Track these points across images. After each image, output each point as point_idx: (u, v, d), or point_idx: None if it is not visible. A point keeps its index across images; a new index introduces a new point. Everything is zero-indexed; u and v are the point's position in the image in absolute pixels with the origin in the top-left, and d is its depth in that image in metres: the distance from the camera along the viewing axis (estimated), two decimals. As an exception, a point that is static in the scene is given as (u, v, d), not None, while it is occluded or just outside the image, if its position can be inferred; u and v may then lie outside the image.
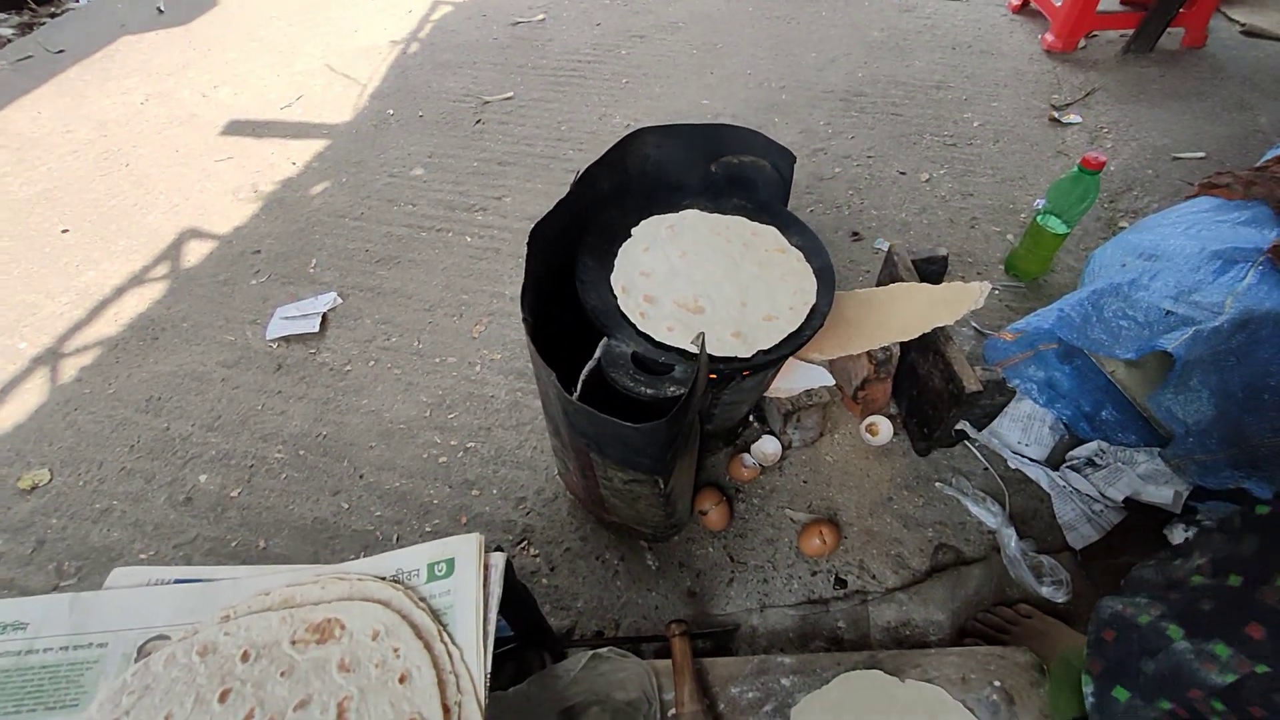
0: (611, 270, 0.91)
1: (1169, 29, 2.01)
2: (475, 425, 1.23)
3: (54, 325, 1.47)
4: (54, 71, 2.40)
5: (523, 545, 1.07)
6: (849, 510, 1.08)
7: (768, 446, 1.12)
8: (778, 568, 1.02)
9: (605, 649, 0.78)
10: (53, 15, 2.86)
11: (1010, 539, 1.00)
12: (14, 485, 1.18)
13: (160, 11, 2.78)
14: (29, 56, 2.50)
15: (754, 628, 0.96)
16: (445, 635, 0.51)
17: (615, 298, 0.88)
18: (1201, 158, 1.64)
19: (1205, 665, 0.53)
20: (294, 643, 0.51)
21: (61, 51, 2.52)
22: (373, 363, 1.35)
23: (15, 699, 0.49)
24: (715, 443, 1.15)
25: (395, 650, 0.50)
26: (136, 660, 0.52)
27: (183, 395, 1.32)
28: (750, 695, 0.80)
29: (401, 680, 0.48)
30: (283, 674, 0.49)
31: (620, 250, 0.94)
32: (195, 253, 1.64)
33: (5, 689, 0.49)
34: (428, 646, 0.50)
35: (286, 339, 1.40)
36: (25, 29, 2.75)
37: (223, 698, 0.48)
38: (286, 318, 1.44)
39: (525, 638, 0.81)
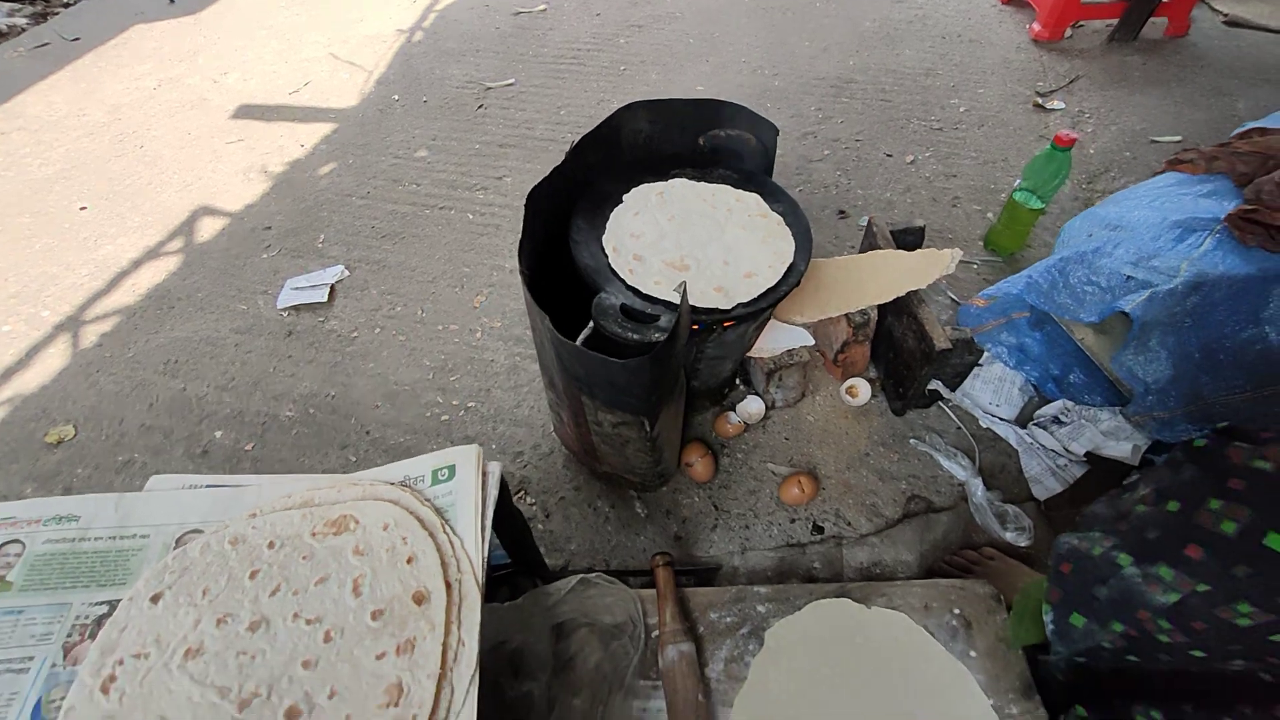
0: (603, 232, 0.97)
1: (1152, 18, 2.07)
2: (475, 387, 1.30)
3: (74, 295, 1.54)
4: (69, 58, 2.47)
5: (520, 495, 1.13)
6: (828, 465, 1.14)
7: (752, 406, 1.18)
8: (759, 515, 1.08)
9: (594, 574, 0.85)
10: (66, 4, 2.93)
11: (978, 488, 1.06)
12: (41, 440, 1.25)
13: (171, 1, 2.85)
14: (46, 44, 2.57)
15: (735, 567, 1.03)
16: (447, 527, 0.58)
17: (606, 256, 0.94)
18: (1178, 141, 1.70)
19: (1151, 587, 0.57)
20: (313, 534, 0.58)
21: (77, 39, 2.60)
22: (378, 330, 1.42)
23: (72, 576, 0.55)
24: (702, 402, 1.21)
25: (403, 539, 0.56)
26: (175, 549, 0.58)
27: (198, 359, 1.39)
28: (728, 620, 0.87)
29: (409, 561, 0.55)
30: (304, 558, 0.56)
31: (612, 215, 1.00)
32: (208, 229, 1.71)
33: (64, 567, 0.56)
34: (432, 535, 0.57)
35: (296, 308, 1.47)
36: (40, 18, 2.82)
37: (252, 576, 0.55)
38: (296, 288, 1.50)
39: (520, 565, 0.88)
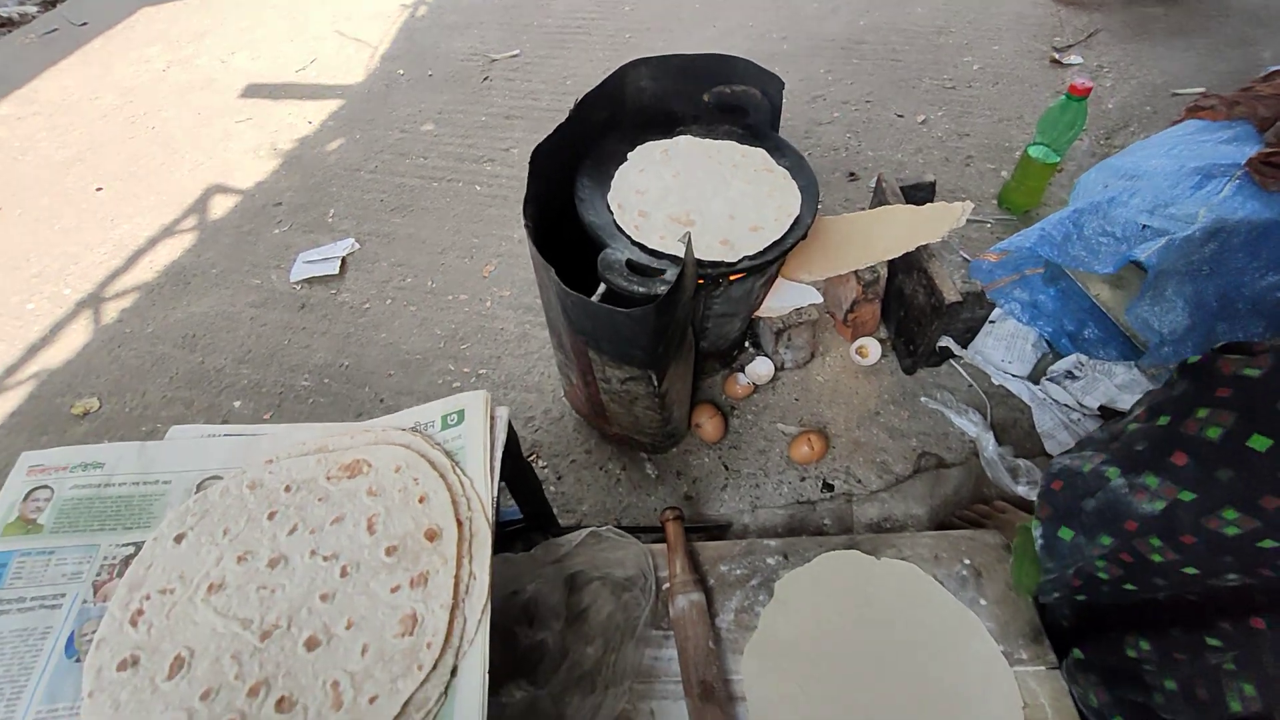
0: (608, 189, 0.97)
1: (1177, -32, 1.99)
2: (486, 355, 1.31)
3: (94, 273, 1.57)
4: (79, 43, 2.49)
5: (532, 458, 1.15)
6: (838, 424, 1.14)
7: (761, 367, 1.18)
8: (769, 474, 1.09)
9: (604, 528, 0.86)
10: (74, -10, 2.94)
11: (989, 443, 1.05)
12: (68, 412, 1.29)
13: (176, -17, 2.85)
14: (55, 30, 2.59)
15: (745, 525, 1.04)
16: (457, 468, 0.59)
17: (612, 214, 0.94)
18: (1200, 93, 1.64)
19: (1137, 496, 0.57)
20: (328, 478, 0.59)
21: (85, 24, 2.61)
22: (389, 301, 1.43)
23: (100, 519, 0.58)
24: (712, 364, 1.22)
25: (415, 480, 0.58)
26: (196, 494, 0.60)
27: (215, 333, 1.41)
28: (738, 572, 0.88)
29: (420, 500, 0.56)
30: (320, 500, 0.58)
31: (617, 172, 1.00)
32: (220, 206, 1.73)
33: (91, 511, 0.58)
34: (442, 476, 0.58)
35: (309, 281, 1.49)
36: (49, 4, 2.84)
37: (270, 516, 0.57)
38: (308, 261, 1.52)
39: (532, 520, 0.89)
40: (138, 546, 0.57)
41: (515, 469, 0.77)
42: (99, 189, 1.82)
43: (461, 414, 0.62)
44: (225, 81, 2.21)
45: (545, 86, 2.02)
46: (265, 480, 0.60)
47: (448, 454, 0.60)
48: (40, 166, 1.92)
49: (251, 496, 0.58)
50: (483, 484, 0.58)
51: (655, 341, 0.80)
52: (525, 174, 0.86)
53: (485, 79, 2.08)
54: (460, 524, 0.55)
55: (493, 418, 0.62)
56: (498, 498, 0.57)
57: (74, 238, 1.67)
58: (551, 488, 1.11)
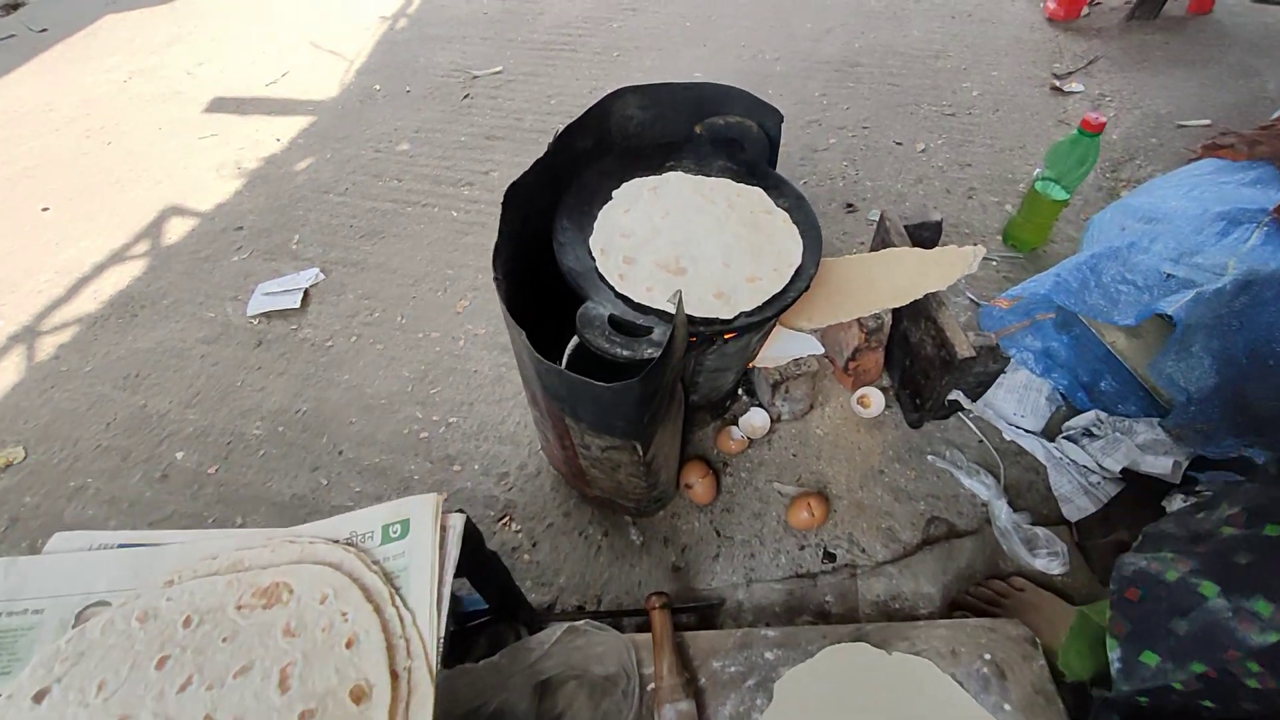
0: (590, 233, 0.88)
1: (1175, -5, 1.96)
2: (458, 400, 1.20)
3: (32, 303, 1.45)
4: (37, 50, 2.36)
5: (504, 521, 1.04)
6: (838, 483, 1.05)
7: (756, 419, 1.09)
8: (765, 542, 0.99)
9: (582, 622, 0.75)
10: (35, -6, 2.81)
11: (1002, 510, 0.97)
12: (-12, 463, 1.16)
13: (144, -11, 2.73)
14: (12, 35, 2.46)
15: (739, 602, 0.94)
16: (397, 598, 0.48)
17: (594, 260, 0.84)
18: (1206, 125, 1.59)
19: (1243, 624, 0.49)
20: (239, 607, 0.48)
21: (45, 30, 2.48)
22: (355, 338, 1.32)
23: (-57, 664, 0.46)
24: (702, 415, 1.12)
25: (343, 614, 0.47)
26: (74, 627, 0.49)
27: (161, 372, 1.29)
28: (733, 669, 0.78)
29: (349, 645, 0.46)
30: (225, 640, 0.47)
31: (600, 212, 0.90)
32: (177, 230, 1.61)
33: (-67, 655, 0.47)
34: (378, 610, 0.47)
35: (268, 315, 1.37)
36: (10, 9, 2.71)
37: (160, 664, 0.46)
38: (268, 294, 1.41)
39: (499, 611, 0.79)
40: (-8, 701, 0.45)
41: (477, 563, 0.66)
42: (45, 209, 1.69)
43: (406, 525, 0.52)
44: (190, 94, 2.09)
45: (529, 105, 1.93)
46: (160, 610, 0.49)
47: (387, 576, 0.49)
48: (-18, 183, 1.79)
49: (141, 633, 0.47)
50: (427, 621, 0.47)
51: (640, 412, 0.70)
52: (503, 201, 0.77)
53: (466, 96, 1.99)
54: (395, 677, 0.44)
55: (444, 528, 0.52)
56: (445, 638, 0.47)
57: (13, 262, 1.55)
58: (525, 555, 1.00)
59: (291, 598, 0.49)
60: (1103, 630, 0.64)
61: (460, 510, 0.54)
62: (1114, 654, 0.60)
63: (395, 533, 0.52)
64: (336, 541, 0.52)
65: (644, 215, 0.90)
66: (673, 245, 0.86)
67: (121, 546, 0.53)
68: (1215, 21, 1.97)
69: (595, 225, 0.89)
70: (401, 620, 0.47)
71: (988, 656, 0.77)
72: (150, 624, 0.48)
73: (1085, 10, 2.04)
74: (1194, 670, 0.52)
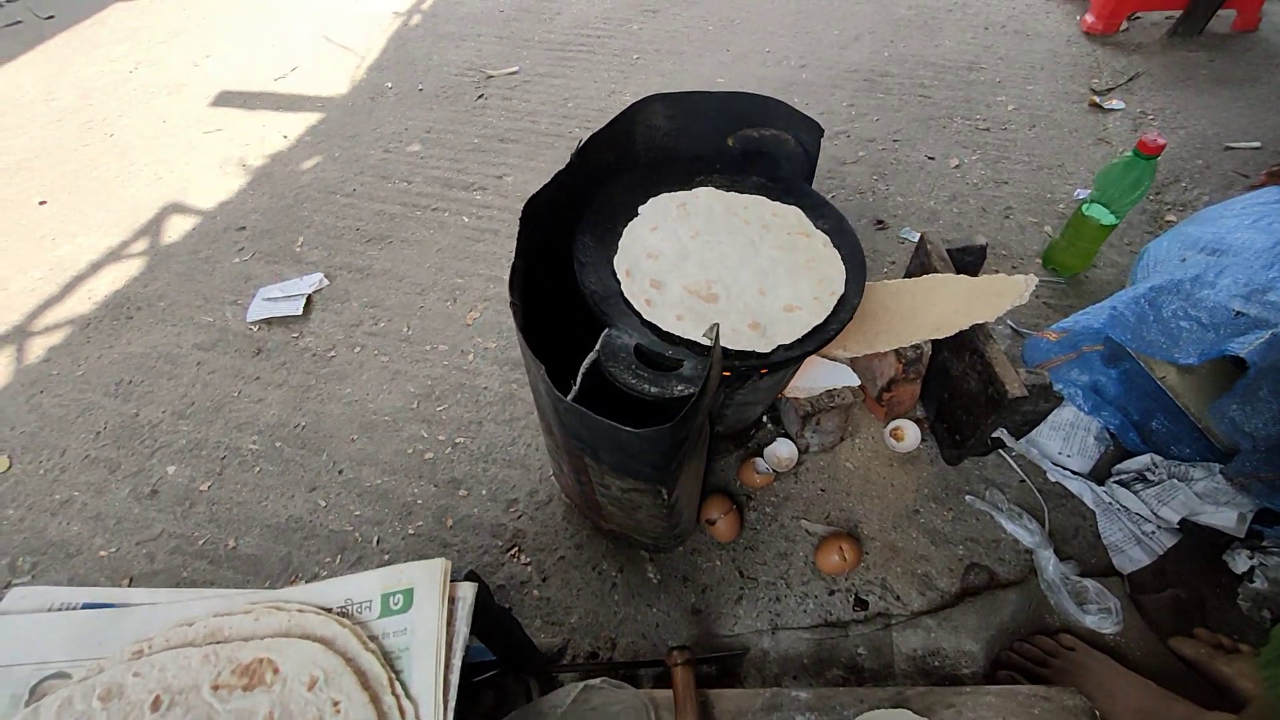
0: (615, 252, 0.81)
1: (1219, 11, 1.88)
2: (465, 419, 1.14)
3: (24, 302, 1.39)
4: (41, 37, 2.31)
5: (513, 552, 0.98)
6: (870, 523, 0.98)
7: (782, 450, 1.02)
8: (791, 585, 0.92)
9: (598, 679, 0.69)
10: (45, -20, 2.76)
11: (1049, 561, 0.90)
12: (-31, 472, 1.10)
13: (155, -22, 2.68)
14: (17, 22, 2.41)
15: (764, 651, 0.87)
16: (398, 685, 0.42)
17: (618, 282, 0.78)
18: (1257, 148, 1.52)
19: None
20: (215, 688, 0.42)
21: (51, 17, 2.43)
22: (358, 349, 1.26)
23: None
24: (725, 445, 1.05)
25: (335, 703, 0.40)
26: (28, 703, 0.43)
27: (154, 379, 1.23)
28: (760, 734, 0.71)
29: (340, 744, 0.39)
30: (198, 729, 0.40)
31: (625, 230, 0.84)
32: (176, 228, 1.55)
33: None
34: (375, 700, 0.41)
35: (268, 321, 1.31)
36: (17, -5, 2.66)
37: (121, 759, 0.39)
38: (269, 299, 1.34)
39: (508, 663, 0.72)
40: (-75, 797, 0.39)
41: (487, 620, 0.60)
42: (42, 202, 1.63)
43: (410, 595, 0.45)
44: (196, 87, 2.04)
45: (545, 107, 1.86)
46: (126, 687, 0.42)
47: (386, 658, 0.43)
48: (-20, 173, 1.73)
49: (103, 715, 0.41)
50: (431, 713, 0.40)
51: (669, 459, 0.64)
52: (519, 205, 0.71)
53: (480, 96, 1.92)
54: (395, 786, 0.38)
55: (452, 600, 0.45)
56: (465, 664, 0.40)
57: (6, 258, 1.49)
58: (535, 591, 0.94)
59: (276, 679, 0.42)
60: None
61: (471, 578, 0.48)
62: None
63: (397, 604, 0.45)
64: (329, 611, 0.46)
65: (672, 234, 0.83)
66: (704, 269, 0.80)
67: (86, 606, 0.47)
68: (1262, 39, 1.90)
69: (620, 244, 0.82)
70: (402, 712, 0.41)
71: (1042, 731, 0.70)
72: (113, 704, 0.41)
73: (1124, 25, 1.97)
74: None
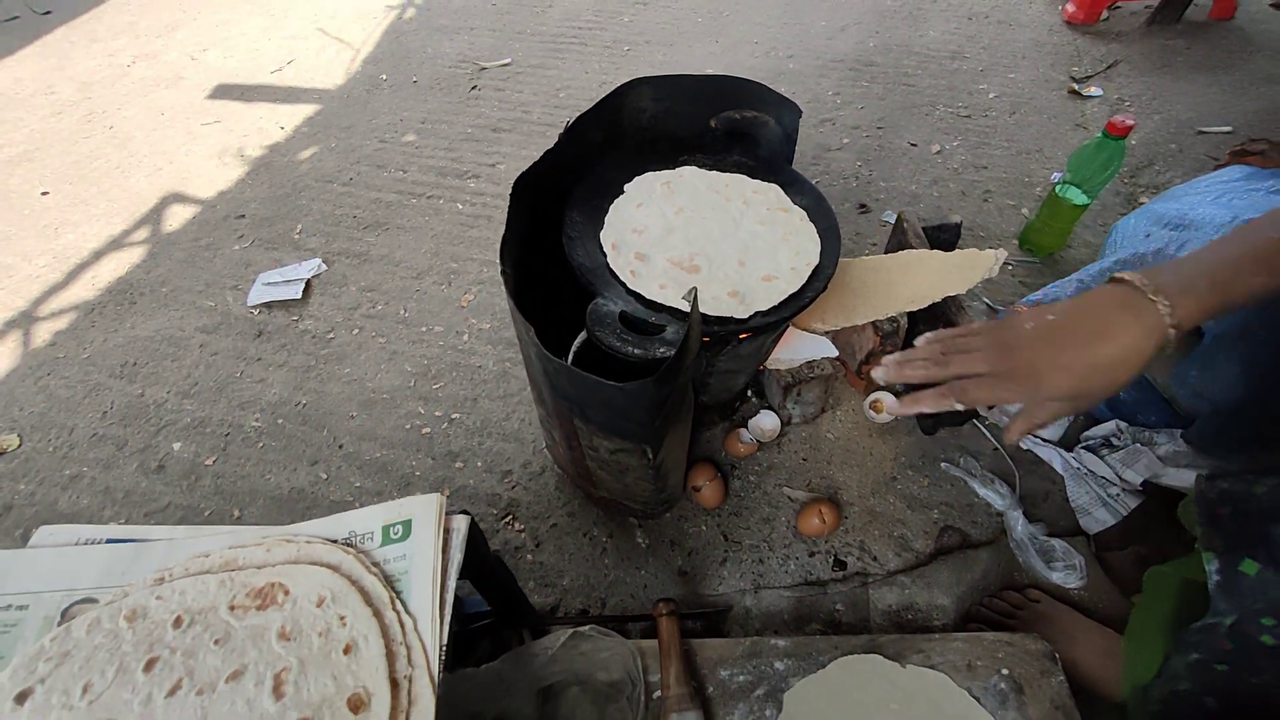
0: (601, 227, 0.85)
1: (1195, 0, 1.92)
2: (461, 396, 1.18)
3: (29, 288, 1.42)
4: (39, 32, 2.34)
5: (507, 520, 1.02)
6: (850, 489, 1.03)
7: (766, 422, 1.06)
8: (774, 547, 0.97)
9: (587, 627, 0.73)
10: (41, -24, 2.78)
11: (1018, 521, 0.94)
12: (-19, 449, 1.13)
13: (151, -27, 2.70)
14: (15, 17, 2.43)
15: (747, 609, 0.91)
16: (398, 603, 0.46)
17: (605, 255, 0.82)
18: (1228, 132, 1.56)
19: None
20: (232, 608, 0.46)
21: (48, 12, 2.46)
22: (356, 330, 1.30)
23: (-80, 663, 0.44)
24: (711, 417, 1.10)
25: (341, 618, 0.45)
26: (59, 624, 0.47)
27: (159, 361, 1.27)
28: (741, 678, 0.75)
29: (346, 650, 0.43)
30: (217, 641, 0.44)
31: (612, 206, 0.88)
32: (177, 217, 1.58)
33: (-92, 653, 0.44)
34: (378, 614, 0.45)
35: (268, 305, 1.35)
36: (13, -10, 2.68)
37: (148, 666, 0.43)
38: (269, 284, 1.38)
39: (502, 614, 0.76)
40: (-31, 703, 0.43)
41: (480, 565, 0.64)
42: (44, 193, 1.67)
43: (408, 525, 0.49)
44: (194, 79, 2.07)
45: (537, 98, 1.90)
46: (150, 609, 0.46)
47: (387, 580, 0.47)
48: (-18, 165, 1.76)
49: (129, 632, 0.45)
50: (429, 627, 0.45)
51: (653, 415, 0.68)
52: (511, 192, 0.74)
53: (474, 87, 1.96)
54: (395, 685, 0.42)
55: (447, 530, 0.49)
56: (447, 646, 0.44)
57: (10, 246, 1.52)
58: (529, 556, 0.98)
59: (287, 600, 0.46)
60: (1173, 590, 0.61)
61: (464, 511, 0.52)
62: (1212, 567, 0.58)
63: (396, 534, 0.49)
64: (335, 541, 0.50)
65: (657, 210, 0.87)
66: (687, 242, 0.84)
67: (110, 541, 0.51)
68: (1237, 28, 1.94)
69: (606, 220, 0.86)
70: (402, 626, 0.45)
71: (1005, 671, 0.74)
72: (139, 623, 0.46)
73: (1105, 14, 2.01)
74: None
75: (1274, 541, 0.52)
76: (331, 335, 1.29)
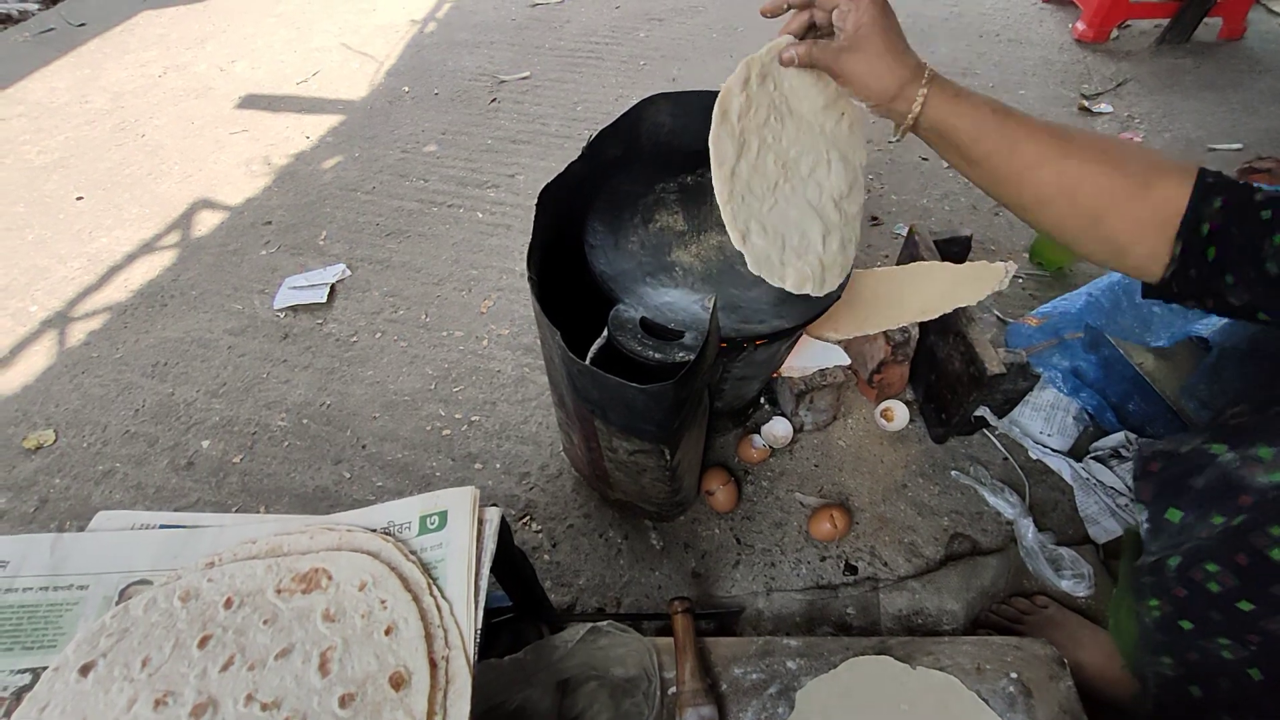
0: (621, 237, 0.88)
1: (1205, 19, 1.95)
2: (480, 399, 1.21)
3: (64, 290, 1.47)
4: (74, 44, 2.41)
5: (525, 520, 1.04)
6: (861, 496, 1.04)
7: (778, 428, 1.09)
8: (785, 551, 0.99)
9: (605, 623, 0.75)
10: (76, -10, 2.88)
11: (1028, 529, 0.96)
12: (19, 445, 1.18)
13: (181, -13, 2.79)
14: (51, 29, 2.52)
15: (759, 611, 0.93)
16: (435, 589, 0.49)
17: (626, 263, 0.85)
18: (1238, 149, 1.58)
19: (1250, 468, 0.54)
20: (279, 591, 0.49)
21: (83, 25, 2.54)
22: (379, 334, 1.33)
23: (-9, 636, 0.47)
24: (724, 423, 1.12)
25: (382, 601, 0.47)
26: (117, 603, 0.50)
27: (188, 361, 1.31)
28: (754, 677, 0.77)
29: (387, 632, 0.46)
30: (265, 622, 0.47)
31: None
32: (206, 222, 1.63)
33: (-19, 626, 0.47)
34: (416, 599, 0.48)
35: (294, 309, 1.39)
36: (50, 3, 2.77)
37: (202, 643, 0.46)
38: (294, 288, 1.42)
39: (523, 609, 0.79)
40: (36, 674, 0.46)
41: (505, 557, 0.66)
42: (79, 198, 1.72)
43: (444, 516, 0.52)
44: (223, 90, 2.13)
45: (555, 111, 1.95)
46: (202, 590, 0.49)
47: (424, 568, 0.50)
48: (19, 171, 1.82)
49: (183, 612, 0.48)
50: (464, 611, 0.47)
51: (671, 417, 0.70)
52: (530, 202, 0.77)
53: (493, 100, 2.01)
54: (434, 665, 0.45)
55: (481, 521, 0.52)
56: (481, 630, 0.47)
57: (46, 249, 1.57)
58: (545, 556, 1.01)
59: (330, 584, 0.49)
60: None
61: (495, 504, 0.55)
62: (1142, 516, 0.66)
63: (433, 524, 0.52)
64: (374, 531, 0.53)
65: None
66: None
67: (163, 527, 0.54)
68: (1247, 47, 1.96)
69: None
70: (439, 610, 0.48)
71: (1014, 675, 0.76)
72: (192, 604, 0.48)
73: (1115, 32, 2.04)
74: (1214, 522, 0.56)
75: (1195, 491, 0.59)
76: (355, 339, 1.33)
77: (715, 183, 0.71)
